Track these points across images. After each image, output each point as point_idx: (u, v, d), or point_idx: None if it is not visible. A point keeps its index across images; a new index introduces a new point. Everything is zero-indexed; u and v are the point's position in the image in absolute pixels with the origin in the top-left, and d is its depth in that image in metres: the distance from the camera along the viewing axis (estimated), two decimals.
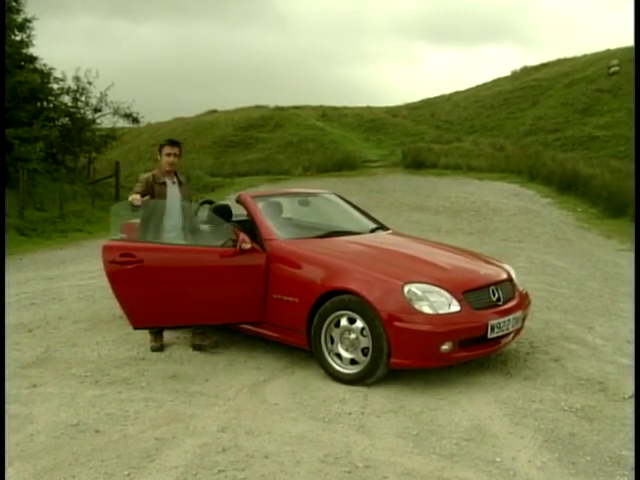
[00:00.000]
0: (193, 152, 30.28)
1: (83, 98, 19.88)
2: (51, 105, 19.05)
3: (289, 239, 5.16)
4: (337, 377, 4.52)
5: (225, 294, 5.00)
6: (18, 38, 17.32)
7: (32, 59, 17.84)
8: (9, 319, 6.21)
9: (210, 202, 6.21)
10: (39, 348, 5.35)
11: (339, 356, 4.55)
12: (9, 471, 3.24)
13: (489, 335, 4.46)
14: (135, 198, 5.08)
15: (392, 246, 5.33)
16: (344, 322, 4.49)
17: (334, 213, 6.35)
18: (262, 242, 5.04)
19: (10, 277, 8.60)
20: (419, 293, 4.33)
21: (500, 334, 4.56)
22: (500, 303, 4.66)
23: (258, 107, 38.49)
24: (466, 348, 4.43)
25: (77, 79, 19.58)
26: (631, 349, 5.23)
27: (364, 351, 4.41)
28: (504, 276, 4.97)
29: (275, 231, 5.17)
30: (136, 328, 5.16)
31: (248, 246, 4.90)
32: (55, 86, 19.05)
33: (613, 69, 29.58)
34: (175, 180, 5.49)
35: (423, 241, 5.99)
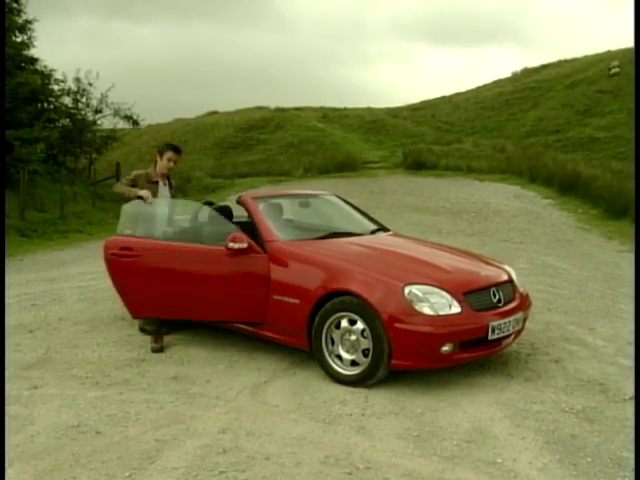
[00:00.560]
0: (194, 153, 30.29)
1: (84, 99, 19.94)
2: (52, 106, 19.07)
3: (290, 240, 5.16)
4: (338, 378, 4.52)
5: (222, 293, 5.07)
6: (19, 39, 17.35)
7: (33, 60, 17.87)
8: (10, 320, 6.22)
9: (211, 203, 6.22)
10: (40, 349, 5.35)
11: (340, 357, 4.55)
12: (9, 472, 3.24)
13: (490, 336, 4.45)
14: (148, 196, 5.29)
15: (393, 247, 5.33)
16: (345, 323, 4.49)
17: (335, 214, 6.35)
18: (263, 243, 5.05)
19: (11, 278, 8.60)
20: (420, 294, 4.33)
21: (501, 335, 4.55)
22: (501, 304, 4.65)
23: (259, 108, 38.53)
24: (467, 349, 4.42)
25: (78, 80, 19.64)
26: (632, 350, 5.23)
27: (365, 352, 4.41)
28: (505, 277, 4.97)
29: (276, 232, 5.17)
30: (135, 317, 5.50)
31: (235, 246, 4.91)
32: (56, 87, 19.10)
33: (614, 70, 29.58)
34: (166, 182, 5.63)
35: (423, 242, 5.98)
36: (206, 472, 3.25)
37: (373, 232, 5.84)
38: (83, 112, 19.96)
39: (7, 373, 4.71)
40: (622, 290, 7.61)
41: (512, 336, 4.78)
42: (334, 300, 4.52)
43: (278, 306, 4.85)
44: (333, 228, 5.87)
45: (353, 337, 4.46)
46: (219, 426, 3.81)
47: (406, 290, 4.34)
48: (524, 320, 4.98)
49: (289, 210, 6.02)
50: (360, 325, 4.41)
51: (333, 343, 4.57)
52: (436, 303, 4.32)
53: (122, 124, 21.56)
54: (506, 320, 4.57)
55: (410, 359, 4.32)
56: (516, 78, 36.70)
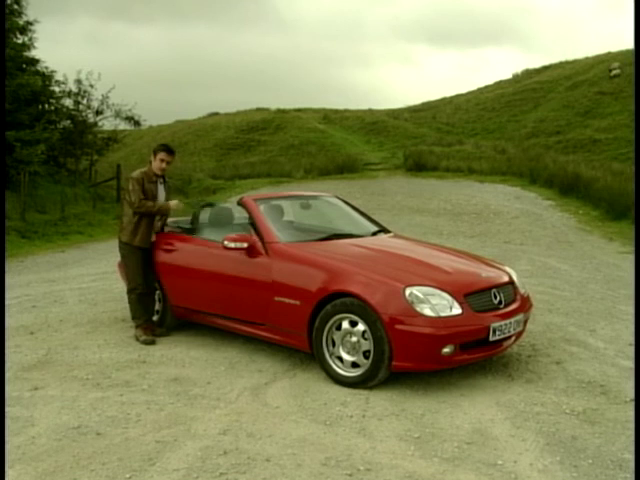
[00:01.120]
0: (195, 155, 30.35)
1: (85, 101, 19.89)
2: (53, 108, 19.05)
3: (290, 242, 5.17)
4: (338, 380, 4.52)
5: (223, 289, 5.33)
6: (20, 41, 17.34)
7: (34, 62, 17.86)
8: (11, 321, 6.22)
9: (212, 204, 6.24)
10: (40, 351, 5.35)
11: (340, 359, 4.54)
12: (10, 474, 3.24)
13: (491, 338, 4.45)
14: (178, 206, 5.72)
15: (393, 249, 5.32)
16: (345, 325, 4.49)
17: (335, 216, 6.35)
18: (264, 245, 5.06)
19: (11, 280, 8.61)
20: (420, 296, 4.33)
21: (502, 337, 4.55)
22: (501, 306, 4.65)
23: (259, 110, 38.59)
24: (468, 351, 4.42)
25: (79, 82, 19.60)
26: (633, 352, 5.22)
27: (365, 354, 4.41)
28: (505, 279, 4.97)
29: (277, 234, 5.18)
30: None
31: (232, 245, 5.06)
32: (57, 89, 19.08)
33: (614, 72, 29.61)
34: (162, 180, 5.75)
35: (424, 244, 5.98)
36: (207, 474, 3.25)
37: (374, 234, 5.84)
38: (84, 113, 19.93)
39: (8, 374, 4.71)
40: (623, 291, 7.60)
41: (513, 337, 4.78)
42: (335, 302, 4.52)
43: (279, 307, 4.85)
44: (334, 230, 5.87)
45: (354, 338, 4.46)
46: (220, 427, 3.81)
47: (407, 291, 4.34)
48: (525, 321, 4.98)
49: (290, 212, 6.03)
50: (361, 327, 4.41)
51: (334, 344, 4.57)
52: (437, 304, 4.32)
53: (123, 125, 21.57)
54: (507, 321, 4.57)
55: (411, 360, 4.31)
56: (517, 79, 36.77)
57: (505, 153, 23.69)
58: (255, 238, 5.13)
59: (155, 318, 5.90)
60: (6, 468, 3.26)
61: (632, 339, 5.52)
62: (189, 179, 22.73)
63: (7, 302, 6.89)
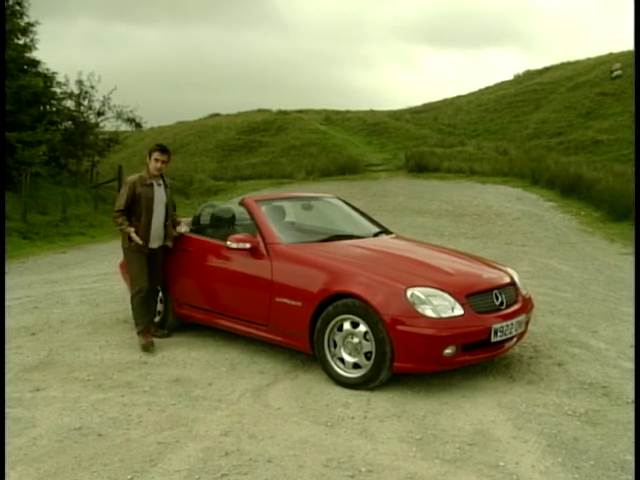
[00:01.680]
0: (196, 156, 30.39)
1: (86, 102, 19.91)
2: (54, 109, 19.07)
3: (292, 243, 5.17)
4: (340, 381, 4.51)
5: (225, 288, 5.38)
6: (21, 42, 17.36)
7: (35, 63, 17.87)
8: (12, 322, 6.22)
9: (213, 206, 6.25)
10: (42, 352, 5.35)
11: (342, 360, 4.54)
12: (12, 475, 3.24)
13: (492, 339, 4.45)
14: (136, 240, 5.43)
15: (395, 250, 5.32)
16: (347, 326, 4.49)
17: (337, 217, 6.35)
18: (265, 246, 5.07)
19: (13, 281, 8.61)
20: (422, 297, 4.33)
21: (503, 338, 4.55)
22: (503, 307, 4.65)
23: (261, 111, 38.65)
24: (469, 352, 4.42)
25: (80, 83, 19.62)
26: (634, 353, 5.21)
27: (367, 355, 4.40)
28: (507, 280, 4.96)
29: (278, 235, 5.18)
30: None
31: (234, 245, 5.09)
32: (58, 90, 19.09)
33: (616, 73, 29.60)
34: (161, 182, 5.64)
35: (426, 245, 5.98)
36: (208, 475, 3.25)
37: (375, 235, 5.85)
38: (85, 115, 19.95)
39: (9, 376, 4.72)
40: (624, 293, 7.59)
41: (514, 339, 4.77)
42: (337, 303, 4.51)
43: (280, 308, 4.85)
44: (335, 231, 5.87)
45: (355, 340, 4.46)
46: (221, 429, 3.80)
47: (408, 292, 4.33)
48: (527, 323, 4.97)
49: (291, 213, 6.03)
50: (362, 328, 4.40)
51: (335, 346, 4.56)
52: (438, 305, 4.32)
53: (124, 127, 21.59)
54: (508, 323, 4.57)
55: (412, 362, 4.31)
56: (518, 81, 36.77)
57: (507, 154, 23.70)
58: (258, 239, 5.14)
59: (157, 319, 5.89)
60: (7, 469, 3.26)
61: (633, 340, 5.51)
62: (190, 180, 22.76)
63: (8, 303, 6.89)
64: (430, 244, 6.29)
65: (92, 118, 20.19)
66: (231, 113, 39.63)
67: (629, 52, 30.74)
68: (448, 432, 3.78)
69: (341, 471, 3.30)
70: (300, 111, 37.67)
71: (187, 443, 3.62)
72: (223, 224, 5.78)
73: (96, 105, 20.13)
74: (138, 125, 21.49)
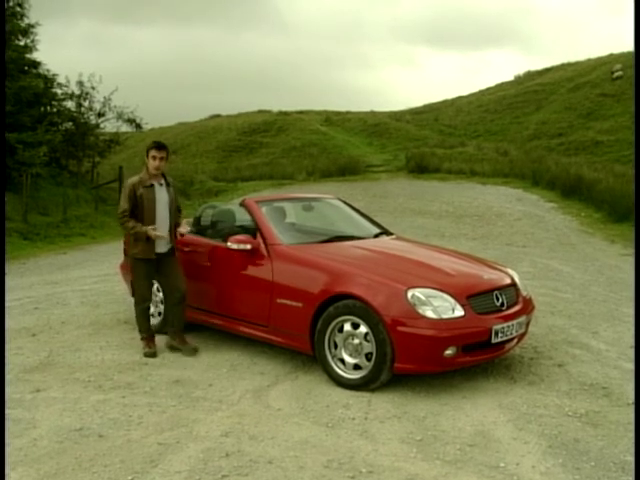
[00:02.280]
0: (197, 157, 30.40)
1: (86, 103, 19.93)
2: (55, 110, 19.09)
3: (293, 244, 5.17)
4: (340, 382, 4.51)
5: (226, 289, 5.37)
6: (22, 43, 17.38)
7: (35, 64, 17.90)
8: (12, 323, 6.23)
9: (213, 207, 6.25)
10: (42, 352, 5.36)
11: (342, 361, 4.54)
12: (12, 476, 3.24)
13: (493, 340, 4.45)
14: (156, 235, 5.22)
15: (396, 251, 5.32)
16: (348, 327, 4.49)
17: (338, 218, 6.35)
18: (266, 247, 5.07)
19: (13, 281, 8.62)
20: (422, 298, 4.32)
21: (504, 339, 4.54)
22: (504, 308, 4.65)
23: (261, 112, 38.67)
24: (470, 353, 4.42)
25: (81, 84, 19.64)
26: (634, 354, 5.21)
27: (368, 356, 4.40)
28: (508, 281, 4.96)
29: (279, 236, 5.19)
30: None
31: (235, 246, 5.09)
32: (59, 91, 19.11)
33: (617, 73, 29.60)
34: (163, 182, 5.39)
35: (426, 246, 5.98)
36: (209, 476, 3.25)
37: (376, 236, 5.85)
38: (86, 116, 19.97)
39: (10, 376, 4.72)
40: (625, 294, 7.59)
41: (515, 340, 4.77)
42: (337, 304, 4.51)
43: (281, 309, 4.85)
44: (336, 232, 5.87)
45: (356, 341, 4.46)
46: (222, 430, 3.80)
47: (409, 293, 4.33)
48: (527, 324, 4.97)
49: (292, 213, 6.03)
50: (363, 329, 4.40)
51: (336, 347, 4.56)
52: (439, 306, 4.32)
53: (125, 128, 21.61)
54: (509, 323, 4.56)
55: (413, 363, 4.31)
56: (519, 81, 36.77)
57: (507, 155, 23.70)
58: (258, 240, 5.14)
59: (157, 320, 5.86)
60: (8, 470, 3.26)
61: (634, 341, 5.51)
62: (191, 181, 22.76)
63: (9, 304, 6.90)
64: (430, 245, 6.29)
65: (93, 119, 20.21)
66: (232, 114, 39.65)
67: (629, 53, 30.74)
68: (449, 433, 3.78)
69: (342, 472, 3.30)
70: (301, 112, 37.69)
71: (188, 444, 3.62)
72: (224, 225, 5.78)
73: (97, 106, 20.17)
74: (139, 126, 21.51)
